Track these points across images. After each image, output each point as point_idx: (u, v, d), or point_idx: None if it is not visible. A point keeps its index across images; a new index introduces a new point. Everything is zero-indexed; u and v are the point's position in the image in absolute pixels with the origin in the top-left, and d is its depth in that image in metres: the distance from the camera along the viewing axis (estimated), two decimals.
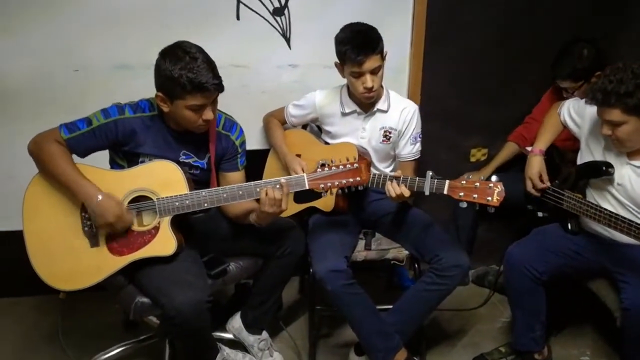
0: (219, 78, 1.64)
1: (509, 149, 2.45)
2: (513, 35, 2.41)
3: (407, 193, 1.76)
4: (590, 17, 2.41)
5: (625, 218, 1.67)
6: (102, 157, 1.82)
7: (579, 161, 1.90)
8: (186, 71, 1.58)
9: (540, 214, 2.02)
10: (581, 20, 2.40)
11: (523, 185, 2.04)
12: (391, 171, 2.13)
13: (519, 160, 2.27)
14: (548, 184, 1.96)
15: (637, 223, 1.63)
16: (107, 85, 2.17)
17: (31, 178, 1.73)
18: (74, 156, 1.72)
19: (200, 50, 1.65)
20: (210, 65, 1.63)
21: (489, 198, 1.65)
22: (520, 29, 2.41)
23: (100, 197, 1.62)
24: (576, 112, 1.94)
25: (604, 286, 1.90)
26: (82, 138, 1.69)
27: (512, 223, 2.42)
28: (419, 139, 2.10)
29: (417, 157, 2.12)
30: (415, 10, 2.30)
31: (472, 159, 2.60)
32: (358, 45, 1.82)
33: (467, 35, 2.38)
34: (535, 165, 1.97)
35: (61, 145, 1.67)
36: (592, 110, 1.82)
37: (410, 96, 2.41)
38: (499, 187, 1.64)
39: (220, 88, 1.65)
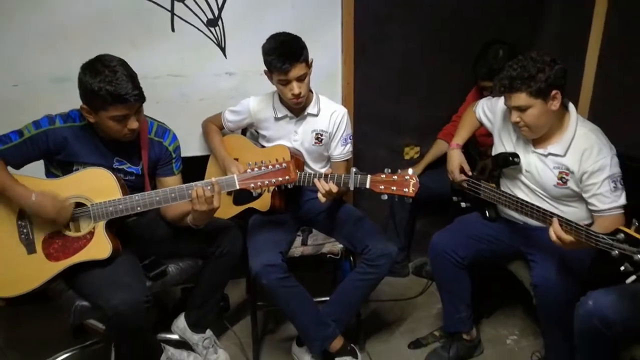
0: (139, 89, 1.71)
1: (438, 147, 2.61)
2: (439, 40, 2.58)
3: (334, 189, 1.87)
4: (507, 21, 2.60)
5: (529, 203, 1.82)
6: (38, 168, 1.87)
7: (493, 154, 2.05)
8: (105, 84, 1.64)
9: (463, 204, 2.17)
10: (500, 25, 2.58)
11: (448, 178, 2.18)
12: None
13: None
14: (470, 174, 2.10)
15: (538, 207, 1.78)
16: (46, 98, 2.21)
17: None
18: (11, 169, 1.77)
19: (121, 63, 1.72)
20: (131, 76, 1.70)
21: (406, 189, 1.77)
22: (445, 34, 2.58)
23: (34, 196, 1.69)
24: (489, 109, 2.09)
25: (521, 267, 2.05)
26: (15, 149, 1.75)
27: (446, 216, 2.57)
28: (349, 141, 2.22)
29: (348, 157, 2.24)
30: (343, 19, 2.43)
31: (406, 157, 2.75)
32: (283, 54, 1.93)
33: (395, 41, 2.54)
34: (455, 159, 2.11)
35: None
36: (502, 106, 1.97)
37: (345, 100, 2.55)
38: (414, 179, 1.77)
39: (140, 99, 1.72)
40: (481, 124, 2.14)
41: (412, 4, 2.50)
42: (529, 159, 1.91)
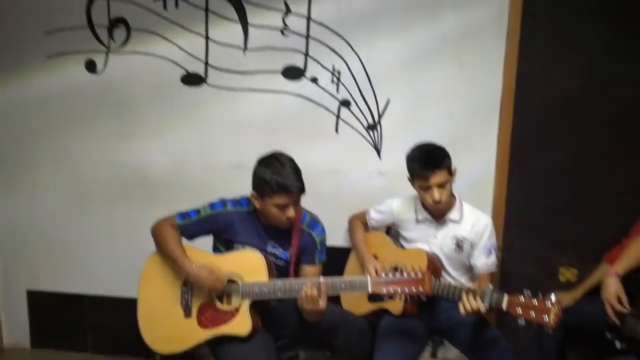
0: (301, 182, 1.95)
1: (603, 272, 2.35)
2: (606, 145, 2.40)
3: (482, 308, 1.81)
4: None
5: None
6: (207, 240, 2.18)
7: None
8: (275, 175, 1.92)
9: (618, 345, 1.92)
10: None
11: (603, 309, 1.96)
12: (467, 281, 2.19)
13: None
14: (627, 307, 1.87)
15: None
16: (225, 180, 2.57)
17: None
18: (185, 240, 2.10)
19: (289, 159, 1.98)
20: (296, 171, 1.95)
21: (545, 318, 1.65)
22: (612, 138, 2.39)
23: (195, 267, 1.96)
24: None
25: None
26: (192, 226, 2.07)
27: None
28: (493, 252, 2.15)
29: (492, 269, 2.17)
30: (500, 126, 2.44)
31: (562, 279, 2.53)
32: (425, 161, 2.02)
33: (554, 147, 2.44)
34: (612, 286, 1.91)
35: (174, 229, 2.06)
36: None
37: (495, 209, 2.49)
38: (556, 308, 1.65)
39: (301, 190, 1.96)
40: None
41: (571, 109, 2.40)
42: None
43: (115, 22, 2.50)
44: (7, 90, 2.63)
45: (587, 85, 2.37)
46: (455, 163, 2.08)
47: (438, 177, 2.01)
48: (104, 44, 2.53)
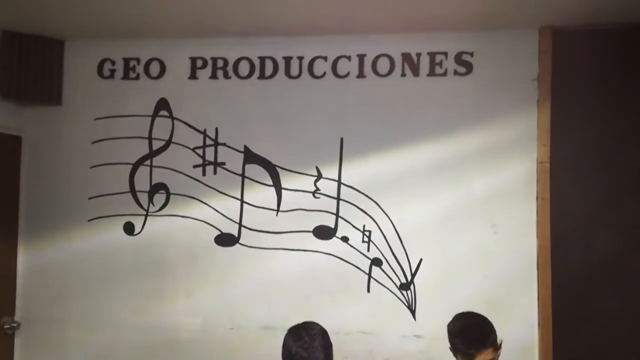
0: (329, 359, 1.85)
1: None
2: None
3: None
4: None
5: None
6: None
7: None
8: (302, 350, 1.82)
9: None
10: None
11: None
12: None
13: None
14: None
15: None
16: (254, 343, 2.51)
17: None
18: None
19: (321, 332, 1.90)
20: (325, 347, 1.85)
21: None
22: None
23: None
24: None
25: None
26: None
27: None
28: None
29: None
30: (539, 290, 2.36)
31: None
32: (469, 339, 1.92)
33: (599, 313, 2.32)
34: None
35: None
36: None
37: None
38: None
39: None
40: None
41: (612, 271, 2.33)
42: None
43: (156, 187, 2.64)
44: (45, 252, 2.70)
45: (623, 247, 2.33)
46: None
47: (483, 355, 1.90)
48: (143, 208, 2.65)
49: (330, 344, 1.89)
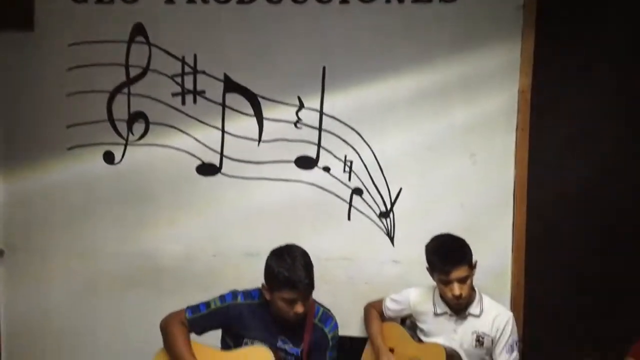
0: (310, 279, 1.91)
1: None
2: (621, 233, 2.39)
3: None
4: None
5: None
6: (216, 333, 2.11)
7: None
8: (284, 270, 1.88)
9: None
10: None
11: None
12: None
13: None
14: None
15: None
16: (237, 269, 2.56)
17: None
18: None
19: (302, 254, 1.96)
20: (307, 267, 1.92)
21: None
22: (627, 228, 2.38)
23: None
24: None
25: None
26: (201, 319, 2.02)
27: None
28: (515, 347, 2.08)
29: None
30: (515, 218, 2.43)
31: None
32: (445, 256, 1.99)
33: (571, 236, 2.41)
34: None
35: (183, 325, 2.01)
36: None
37: (514, 302, 2.43)
38: None
39: (309, 288, 1.91)
40: None
41: (586, 200, 2.40)
42: None
43: (135, 116, 2.59)
44: (25, 181, 2.67)
45: (598, 178, 2.38)
46: None
47: (459, 272, 1.98)
48: (122, 137, 2.61)
49: (312, 265, 1.96)
